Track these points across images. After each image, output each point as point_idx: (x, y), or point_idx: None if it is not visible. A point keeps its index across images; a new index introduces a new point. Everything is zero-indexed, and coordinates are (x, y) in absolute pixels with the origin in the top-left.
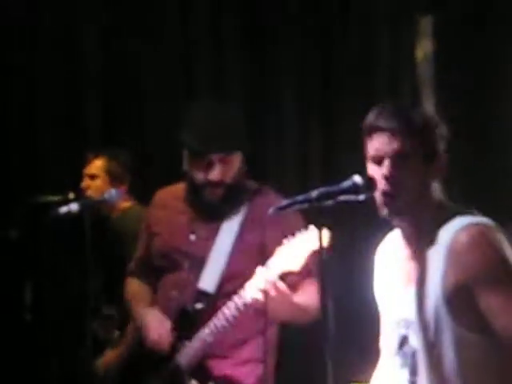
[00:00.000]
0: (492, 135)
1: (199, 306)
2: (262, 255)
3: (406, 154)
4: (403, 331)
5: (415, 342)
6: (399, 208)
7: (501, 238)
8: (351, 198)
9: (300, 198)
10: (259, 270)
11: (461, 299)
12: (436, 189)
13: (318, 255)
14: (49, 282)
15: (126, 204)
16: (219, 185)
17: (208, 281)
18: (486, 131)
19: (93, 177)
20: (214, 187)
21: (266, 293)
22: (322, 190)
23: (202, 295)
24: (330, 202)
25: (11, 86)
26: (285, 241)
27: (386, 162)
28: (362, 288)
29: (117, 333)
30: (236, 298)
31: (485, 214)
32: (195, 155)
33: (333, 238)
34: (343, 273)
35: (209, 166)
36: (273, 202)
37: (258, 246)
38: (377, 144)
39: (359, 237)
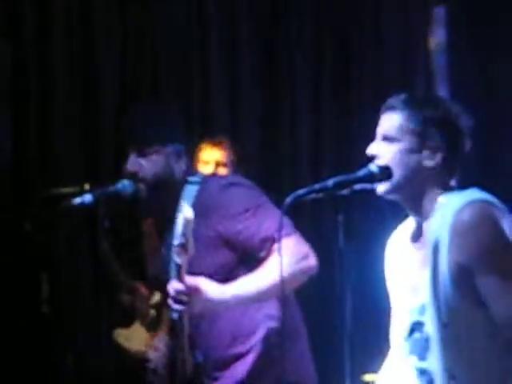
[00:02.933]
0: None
1: None
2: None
3: (395, 134)
4: (417, 318)
5: (430, 326)
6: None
7: (499, 215)
8: (367, 186)
9: (316, 186)
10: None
11: (465, 278)
12: (440, 175)
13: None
14: (64, 274)
15: None
16: (136, 177)
17: None
18: (503, 121)
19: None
20: (138, 181)
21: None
22: (338, 178)
23: None
24: (345, 191)
25: (27, 78)
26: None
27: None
28: (378, 277)
29: (152, 312)
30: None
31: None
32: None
33: (350, 226)
34: (360, 261)
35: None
36: (217, 189)
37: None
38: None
39: (376, 225)
